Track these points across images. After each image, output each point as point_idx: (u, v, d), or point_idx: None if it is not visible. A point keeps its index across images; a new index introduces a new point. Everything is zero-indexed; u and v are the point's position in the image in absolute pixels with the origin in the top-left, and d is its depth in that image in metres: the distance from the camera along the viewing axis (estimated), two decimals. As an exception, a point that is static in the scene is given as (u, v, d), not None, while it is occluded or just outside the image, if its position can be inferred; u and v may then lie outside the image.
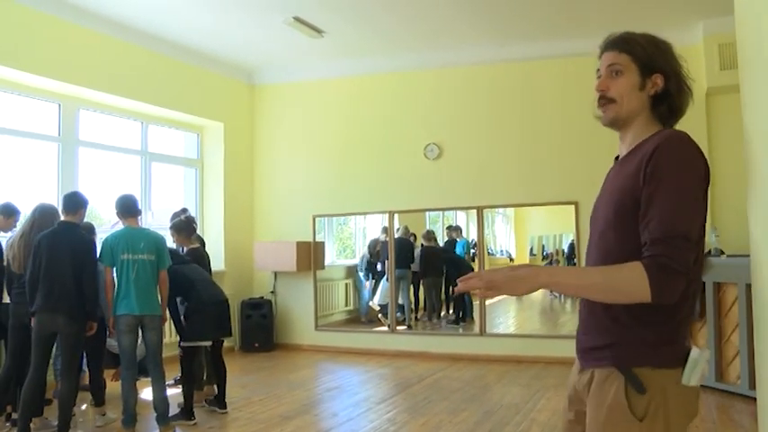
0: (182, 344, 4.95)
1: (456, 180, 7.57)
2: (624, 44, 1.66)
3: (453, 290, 8.70)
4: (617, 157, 1.76)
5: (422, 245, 8.57)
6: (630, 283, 1.42)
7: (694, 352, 1.51)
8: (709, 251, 5.74)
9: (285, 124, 8.47)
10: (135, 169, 7.33)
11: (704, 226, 1.55)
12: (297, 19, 6.46)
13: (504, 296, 1.57)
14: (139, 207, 4.82)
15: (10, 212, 4.99)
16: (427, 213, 8.62)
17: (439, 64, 7.68)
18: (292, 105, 8.43)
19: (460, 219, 8.92)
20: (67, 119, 6.48)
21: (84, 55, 6.30)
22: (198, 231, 6.15)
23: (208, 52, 7.60)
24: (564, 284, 1.55)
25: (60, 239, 4.30)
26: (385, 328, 8.12)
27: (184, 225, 5.41)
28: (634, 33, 1.68)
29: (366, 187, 7.99)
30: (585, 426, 1.63)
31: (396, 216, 8.03)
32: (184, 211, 6.02)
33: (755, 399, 2.07)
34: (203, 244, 6.27)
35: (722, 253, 5.81)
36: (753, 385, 4.83)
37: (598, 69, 1.71)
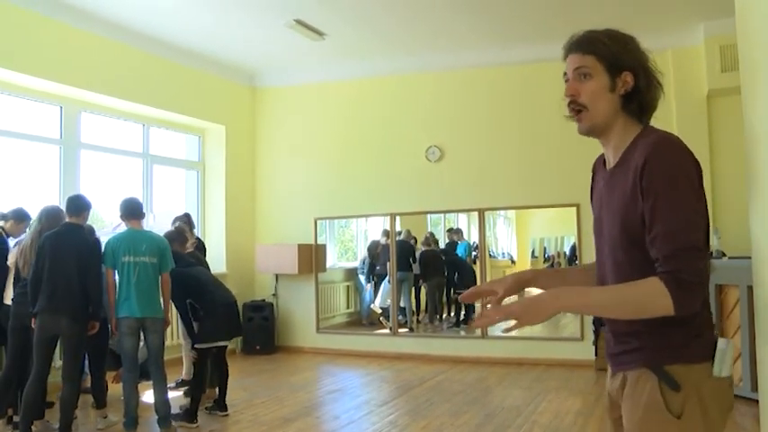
0: (195, 346, 4.96)
1: (457, 182, 7.57)
2: (588, 45, 1.61)
3: (455, 293, 8.74)
4: (603, 161, 1.73)
5: (422, 249, 8.59)
6: (652, 300, 1.42)
7: (721, 342, 1.51)
8: (711, 253, 5.73)
9: (286, 127, 8.48)
10: (136, 172, 7.34)
11: (708, 225, 1.54)
12: (298, 21, 6.47)
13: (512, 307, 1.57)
14: (144, 211, 4.84)
15: (21, 218, 4.98)
16: (429, 216, 8.62)
17: (440, 67, 7.69)
18: (294, 108, 8.44)
19: (462, 221, 8.92)
20: (69, 121, 6.49)
21: (85, 58, 6.31)
22: (198, 234, 6.14)
23: (209, 55, 7.61)
24: (584, 306, 1.56)
25: (65, 241, 4.31)
26: (386, 331, 8.11)
27: (175, 235, 5.35)
28: (596, 31, 1.63)
29: (367, 190, 7.99)
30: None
31: (397, 218, 8.03)
32: (187, 215, 6.00)
33: (757, 401, 2.07)
34: (202, 247, 6.22)
35: (723, 255, 5.80)
36: (755, 387, 4.81)
37: (565, 73, 1.66)
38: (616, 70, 1.58)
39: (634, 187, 1.50)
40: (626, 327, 1.58)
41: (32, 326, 4.28)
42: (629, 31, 1.68)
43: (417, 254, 8.56)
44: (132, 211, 4.71)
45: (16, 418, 4.49)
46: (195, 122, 7.98)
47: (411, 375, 6.62)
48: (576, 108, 1.63)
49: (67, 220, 4.47)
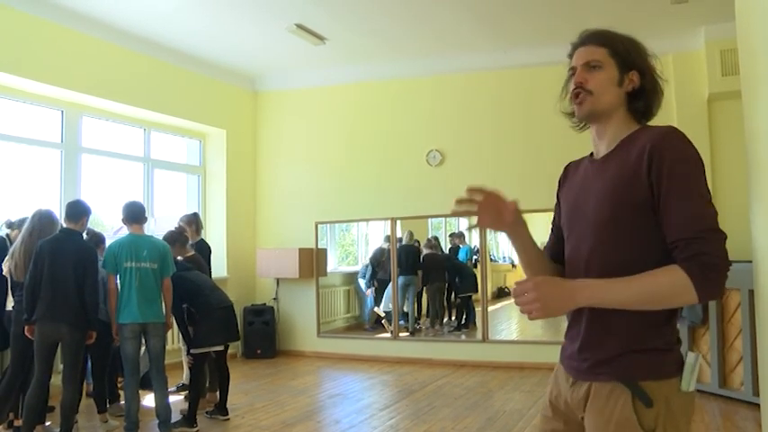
0: (192, 351, 4.94)
1: (458, 186, 7.37)
2: (603, 38, 1.64)
3: (456, 296, 8.73)
4: (577, 164, 1.76)
5: (425, 252, 8.57)
6: (674, 288, 1.38)
7: (690, 357, 1.50)
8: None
9: (287, 131, 8.49)
10: (137, 176, 7.35)
11: None
12: (299, 26, 6.48)
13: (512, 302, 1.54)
14: (146, 215, 4.84)
15: None
16: (429, 220, 8.62)
17: (441, 70, 7.70)
18: (295, 112, 8.45)
19: (463, 225, 8.92)
20: (70, 126, 6.50)
21: (86, 62, 6.33)
22: (201, 235, 6.11)
23: (210, 59, 7.63)
24: (605, 301, 1.46)
25: (62, 246, 4.28)
26: (387, 335, 8.10)
27: (177, 236, 5.34)
28: (610, 30, 1.66)
29: (368, 194, 7.99)
30: None
31: (398, 222, 8.03)
32: (195, 215, 6.00)
33: (759, 405, 2.07)
34: (207, 249, 6.15)
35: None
36: (756, 392, 4.81)
37: (573, 67, 1.66)
38: (626, 67, 1.60)
39: (637, 170, 1.49)
40: (602, 332, 1.56)
41: (27, 333, 4.23)
42: (632, 34, 1.68)
43: (421, 257, 8.54)
44: (135, 215, 4.69)
45: (17, 423, 4.49)
46: (196, 126, 7.99)
47: (412, 379, 6.61)
48: (582, 93, 1.62)
49: (65, 225, 4.44)
